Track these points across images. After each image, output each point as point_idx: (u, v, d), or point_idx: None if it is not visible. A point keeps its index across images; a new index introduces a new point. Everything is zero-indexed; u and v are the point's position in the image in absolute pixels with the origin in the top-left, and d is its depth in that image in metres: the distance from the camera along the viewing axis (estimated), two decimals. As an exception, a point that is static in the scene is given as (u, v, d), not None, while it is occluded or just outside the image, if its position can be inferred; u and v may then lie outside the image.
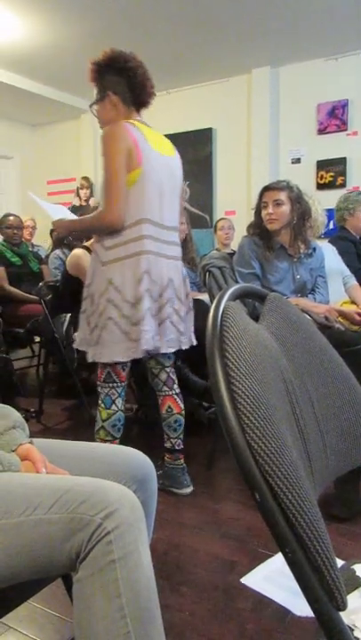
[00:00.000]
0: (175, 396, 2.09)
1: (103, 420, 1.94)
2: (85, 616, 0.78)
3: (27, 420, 1.11)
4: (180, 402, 2.10)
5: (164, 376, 2.08)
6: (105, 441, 1.93)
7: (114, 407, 1.94)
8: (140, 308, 1.81)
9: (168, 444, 2.11)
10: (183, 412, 2.11)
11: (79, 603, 0.78)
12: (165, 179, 1.90)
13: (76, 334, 2.03)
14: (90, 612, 0.77)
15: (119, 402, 1.97)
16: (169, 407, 2.07)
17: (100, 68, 1.88)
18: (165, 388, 2.08)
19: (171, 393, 2.09)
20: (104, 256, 1.85)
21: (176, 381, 2.11)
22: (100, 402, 1.96)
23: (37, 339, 3.76)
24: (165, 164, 1.91)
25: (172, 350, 2.00)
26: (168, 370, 2.09)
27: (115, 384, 1.94)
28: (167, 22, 4.24)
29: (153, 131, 1.92)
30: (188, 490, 2.10)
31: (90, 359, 1.91)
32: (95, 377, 2.00)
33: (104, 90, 1.89)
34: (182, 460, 2.12)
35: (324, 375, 0.84)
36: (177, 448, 2.11)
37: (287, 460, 0.53)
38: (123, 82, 1.86)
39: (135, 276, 1.81)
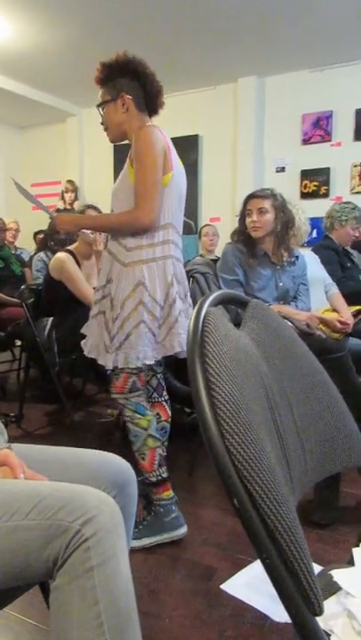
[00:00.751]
0: (164, 403, 2.02)
1: (146, 429, 1.83)
2: (62, 624, 0.77)
3: (6, 425, 1.09)
4: (168, 409, 2.03)
5: (155, 382, 2.01)
6: (155, 448, 1.83)
7: (149, 412, 1.86)
8: (173, 311, 1.79)
9: None
10: (170, 419, 2.03)
11: (56, 610, 0.77)
12: (182, 186, 1.89)
13: (83, 341, 1.90)
14: (67, 620, 0.76)
15: (148, 406, 1.89)
16: (157, 414, 1.98)
17: (112, 69, 1.83)
18: (155, 395, 2.01)
19: (160, 400, 2.02)
20: (126, 257, 1.77)
21: (165, 388, 2.06)
22: (131, 413, 1.84)
23: (18, 342, 3.73)
24: (182, 172, 1.90)
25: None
26: (159, 376, 2.02)
27: (139, 391, 1.86)
28: (155, 29, 4.26)
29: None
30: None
31: (111, 366, 1.79)
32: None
33: (117, 91, 1.83)
34: (165, 468, 2.05)
35: (304, 382, 0.85)
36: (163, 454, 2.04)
37: (266, 465, 0.54)
38: (138, 87, 1.83)
39: (165, 280, 1.79)
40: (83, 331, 1.91)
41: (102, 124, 1.92)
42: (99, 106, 1.90)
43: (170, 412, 2.05)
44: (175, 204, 1.84)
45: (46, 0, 3.81)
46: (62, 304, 2.81)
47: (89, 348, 1.88)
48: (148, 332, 1.77)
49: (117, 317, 1.77)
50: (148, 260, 1.77)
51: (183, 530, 1.81)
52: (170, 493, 1.83)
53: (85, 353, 1.88)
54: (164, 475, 1.82)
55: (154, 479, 1.81)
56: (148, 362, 1.79)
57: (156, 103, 1.89)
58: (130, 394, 1.84)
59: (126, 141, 1.90)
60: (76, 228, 2.05)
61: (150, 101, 1.87)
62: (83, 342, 1.90)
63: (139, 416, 1.83)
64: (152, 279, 1.77)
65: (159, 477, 1.81)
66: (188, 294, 1.97)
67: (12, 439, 1.05)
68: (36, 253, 4.44)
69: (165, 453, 1.89)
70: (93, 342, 1.86)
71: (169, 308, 1.79)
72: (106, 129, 1.92)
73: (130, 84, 1.82)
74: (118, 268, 1.79)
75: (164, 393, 2.04)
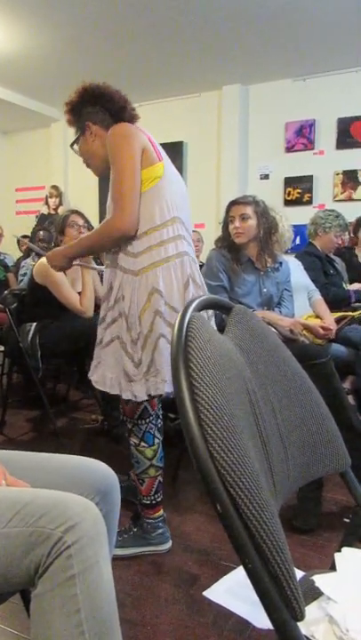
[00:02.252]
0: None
1: (150, 459, 1.72)
2: (43, 632, 0.76)
3: (-13, 431, 1.08)
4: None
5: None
6: (156, 477, 1.74)
7: (156, 441, 1.73)
8: None
9: None
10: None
11: (37, 619, 0.76)
12: (181, 182, 1.76)
13: (95, 378, 1.68)
14: (48, 629, 0.75)
15: (158, 433, 1.75)
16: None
17: (73, 105, 1.76)
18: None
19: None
20: (135, 264, 1.59)
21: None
22: (137, 441, 1.71)
23: (1, 348, 3.69)
24: (174, 169, 1.76)
25: None
26: None
27: (151, 417, 1.71)
28: (140, 36, 4.28)
29: None
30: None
31: (144, 396, 1.59)
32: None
33: (82, 124, 1.76)
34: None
35: (288, 387, 0.86)
36: None
37: (249, 470, 0.54)
38: (100, 110, 1.74)
39: (180, 281, 1.61)
40: (94, 360, 1.70)
41: (84, 162, 1.84)
42: (71, 145, 1.84)
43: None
44: (178, 195, 1.67)
45: (30, 5, 3.80)
46: (46, 309, 2.79)
47: (109, 383, 1.65)
48: (169, 346, 1.61)
49: (138, 337, 1.58)
50: (162, 261, 1.58)
51: (168, 545, 1.79)
52: (160, 513, 1.80)
53: (107, 390, 1.66)
54: (159, 499, 1.78)
55: (147, 502, 1.77)
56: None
57: (125, 116, 1.76)
58: (139, 420, 1.70)
59: None
60: (68, 260, 1.79)
61: (118, 117, 1.75)
62: (96, 378, 1.69)
63: (145, 445, 1.71)
64: (168, 283, 1.58)
65: (153, 502, 1.77)
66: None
67: (-7, 445, 1.04)
68: (23, 259, 4.40)
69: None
70: (112, 375, 1.65)
71: None
72: (86, 164, 1.84)
73: (93, 111, 1.75)
74: (129, 279, 1.59)
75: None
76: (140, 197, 1.59)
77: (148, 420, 1.70)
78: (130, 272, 1.60)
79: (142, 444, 1.71)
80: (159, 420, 1.77)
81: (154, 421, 1.72)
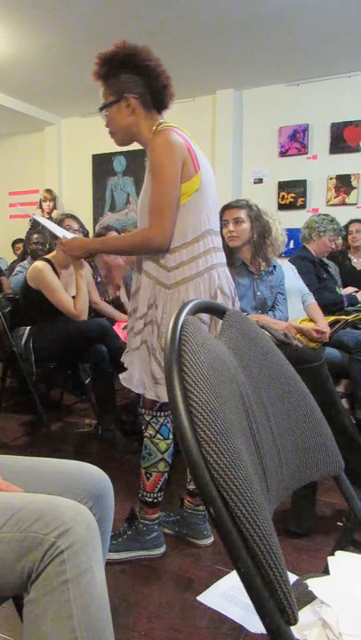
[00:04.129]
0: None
1: (162, 452, 1.73)
2: (36, 638, 0.75)
3: (-20, 435, 1.07)
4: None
5: None
6: (163, 473, 1.75)
7: (171, 436, 1.75)
8: (218, 327, 1.63)
9: (192, 486, 1.89)
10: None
11: (30, 624, 0.76)
12: (214, 185, 1.73)
13: (124, 376, 1.73)
14: (41, 634, 0.75)
15: (172, 429, 1.78)
16: None
17: (112, 63, 1.62)
18: None
19: None
20: (169, 278, 1.61)
21: None
22: (153, 433, 1.73)
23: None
24: (210, 170, 1.73)
25: None
26: None
27: (168, 411, 1.73)
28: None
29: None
30: (208, 541, 1.87)
31: (163, 399, 1.65)
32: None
33: (120, 91, 1.63)
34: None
35: (281, 390, 0.86)
36: (196, 490, 1.86)
37: (242, 474, 0.54)
38: (142, 83, 1.62)
39: (210, 294, 1.63)
40: (123, 360, 1.75)
41: (107, 126, 1.73)
42: (101, 109, 1.70)
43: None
44: (211, 207, 1.68)
45: (25, 10, 3.81)
46: (40, 313, 2.79)
47: (136, 383, 1.70)
48: None
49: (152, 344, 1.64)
50: (194, 277, 1.62)
51: (162, 549, 1.79)
52: (157, 515, 1.80)
53: (133, 388, 1.71)
54: (160, 499, 1.78)
55: (149, 500, 1.76)
56: None
57: (164, 98, 1.68)
58: (158, 412, 1.73)
59: (118, 149, 1.79)
60: (86, 253, 1.82)
61: (157, 96, 1.66)
62: (124, 377, 1.73)
63: (160, 437, 1.74)
64: (198, 297, 1.61)
65: (155, 500, 1.76)
66: (236, 304, 1.79)
67: (-14, 450, 1.03)
68: (17, 262, 4.39)
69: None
70: (139, 377, 1.69)
71: (216, 327, 1.62)
72: (111, 133, 1.73)
73: (133, 80, 1.62)
74: (162, 292, 1.62)
75: None
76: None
77: (166, 414, 1.73)
78: (162, 284, 1.62)
79: (158, 435, 1.73)
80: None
81: (170, 416, 1.75)
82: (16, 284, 3.79)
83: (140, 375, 1.69)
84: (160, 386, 1.65)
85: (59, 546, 0.76)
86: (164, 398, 1.63)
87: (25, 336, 2.75)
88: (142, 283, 1.67)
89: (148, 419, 1.75)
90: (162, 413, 1.73)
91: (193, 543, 1.86)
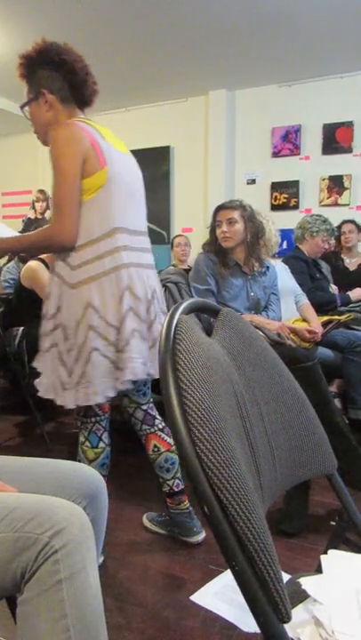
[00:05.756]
0: (160, 433, 1.81)
1: (90, 461, 1.67)
2: (30, 638, 0.75)
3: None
4: (167, 437, 1.82)
5: (140, 414, 1.81)
6: None
7: (101, 444, 1.68)
8: (124, 330, 1.53)
9: (165, 488, 1.83)
10: (174, 446, 1.77)
11: (23, 624, 0.76)
12: (132, 179, 1.66)
13: (37, 380, 1.65)
14: (34, 634, 0.74)
15: (106, 437, 1.70)
16: (155, 446, 1.80)
17: (31, 61, 1.60)
18: (145, 427, 1.81)
19: (153, 430, 1.81)
20: (72, 277, 1.55)
21: (157, 415, 1.84)
22: (83, 439, 1.68)
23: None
24: (128, 163, 1.67)
25: None
26: (144, 407, 1.81)
27: (98, 417, 1.67)
28: (127, 41, 4.29)
29: (106, 128, 1.67)
30: (200, 537, 1.84)
31: (72, 405, 1.57)
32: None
33: (37, 88, 1.62)
34: (186, 503, 1.84)
35: (275, 390, 0.86)
36: (176, 490, 1.82)
37: (236, 472, 0.54)
38: (59, 77, 1.60)
39: (116, 295, 1.54)
40: (35, 365, 1.67)
41: (32, 126, 1.71)
42: (22, 107, 1.68)
43: (171, 441, 1.80)
44: (122, 202, 1.59)
45: (18, 12, 3.80)
46: (33, 312, 2.78)
47: (44, 387, 1.63)
48: (103, 359, 1.54)
49: (72, 347, 1.56)
50: (98, 276, 1.54)
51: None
52: None
53: (41, 394, 1.64)
54: None
55: None
56: (111, 394, 1.56)
57: (84, 93, 1.64)
58: (85, 418, 1.67)
59: None
60: (4, 251, 1.76)
61: (76, 92, 1.63)
62: (37, 382, 1.65)
63: (88, 445, 1.68)
64: (103, 298, 1.54)
65: None
66: (155, 308, 1.68)
67: (-21, 450, 1.03)
68: (5, 264, 4.37)
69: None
70: (48, 381, 1.62)
71: (120, 329, 1.55)
72: (35, 132, 1.71)
73: (50, 76, 1.60)
74: (66, 292, 1.56)
75: (157, 421, 1.83)
76: (80, 208, 1.55)
77: (93, 420, 1.67)
78: (67, 284, 1.56)
79: (86, 443, 1.69)
80: (107, 423, 1.72)
81: (102, 423, 1.70)
82: (6, 286, 3.77)
83: (48, 380, 1.62)
84: (66, 391, 1.57)
85: (53, 545, 0.75)
86: (69, 405, 1.57)
87: (18, 336, 2.74)
88: (52, 282, 1.62)
89: (78, 424, 1.70)
90: (88, 420, 1.67)
91: (185, 541, 1.85)
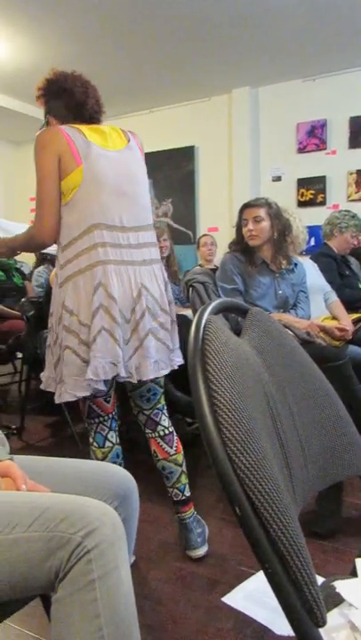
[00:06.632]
0: (159, 440, 1.78)
1: (100, 460, 1.68)
2: (63, 637, 0.76)
3: (8, 438, 1.09)
4: (165, 446, 1.78)
5: (142, 418, 1.80)
6: None
7: (108, 444, 1.70)
8: (92, 328, 1.52)
9: (168, 494, 1.81)
10: (175, 456, 1.78)
11: (57, 623, 0.77)
12: (120, 175, 1.64)
13: (42, 374, 1.73)
14: (68, 633, 0.75)
15: (112, 436, 1.71)
16: (154, 451, 1.79)
17: (43, 92, 1.77)
18: (148, 430, 1.80)
19: (154, 436, 1.79)
20: (60, 276, 1.60)
21: (162, 422, 1.80)
22: (91, 440, 1.71)
23: (20, 355, 3.72)
24: (116, 159, 1.65)
25: (165, 373, 1.70)
26: (147, 412, 1.79)
27: (101, 418, 1.69)
28: (149, 43, 4.30)
29: (100, 127, 1.71)
30: (198, 552, 1.76)
31: (57, 400, 1.61)
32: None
33: (46, 115, 1.79)
34: (185, 515, 1.79)
35: (305, 389, 0.85)
36: (175, 499, 1.79)
37: (268, 473, 0.53)
38: (61, 104, 1.73)
39: (89, 292, 1.54)
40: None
41: None
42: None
43: (171, 449, 1.78)
44: (105, 199, 1.59)
45: (41, 18, 3.85)
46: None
47: (45, 381, 1.69)
48: (76, 359, 1.55)
49: (54, 346, 1.63)
50: (75, 275, 1.56)
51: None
52: None
53: (42, 386, 1.70)
54: None
55: None
56: (81, 393, 1.56)
57: (84, 113, 1.73)
58: (89, 419, 1.71)
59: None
60: (12, 251, 1.84)
61: (77, 112, 1.73)
62: (41, 374, 1.73)
63: (96, 445, 1.70)
64: (77, 296, 1.55)
65: None
66: (142, 305, 1.62)
67: (13, 451, 1.05)
68: (35, 267, 4.44)
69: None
70: (49, 374, 1.68)
71: (91, 327, 1.54)
72: None
73: (55, 104, 1.75)
74: (56, 292, 1.63)
75: (159, 427, 1.79)
76: (62, 209, 1.61)
77: (97, 420, 1.69)
78: (57, 284, 1.62)
79: (94, 443, 1.71)
80: (114, 423, 1.73)
81: (106, 423, 1.71)
82: (39, 291, 3.84)
83: (48, 373, 1.68)
84: (57, 387, 1.62)
85: (85, 545, 0.76)
86: (56, 399, 1.61)
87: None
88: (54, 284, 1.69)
89: (86, 425, 1.73)
90: (92, 420, 1.70)
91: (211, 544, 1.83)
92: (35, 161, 1.61)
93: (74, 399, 1.57)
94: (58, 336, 1.60)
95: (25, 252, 1.86)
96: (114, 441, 1.72)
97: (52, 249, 1.77)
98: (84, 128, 1.64)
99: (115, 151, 1.67)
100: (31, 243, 1.70)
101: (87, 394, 1.56)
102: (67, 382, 1.57)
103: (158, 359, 1.66)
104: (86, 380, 1.52)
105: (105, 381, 1.57)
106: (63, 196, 1.60)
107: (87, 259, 1.55)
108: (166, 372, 1.70)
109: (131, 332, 1.61)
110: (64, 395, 1.58)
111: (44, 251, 3.05)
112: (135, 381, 1.62)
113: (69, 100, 1.72)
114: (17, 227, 2.30)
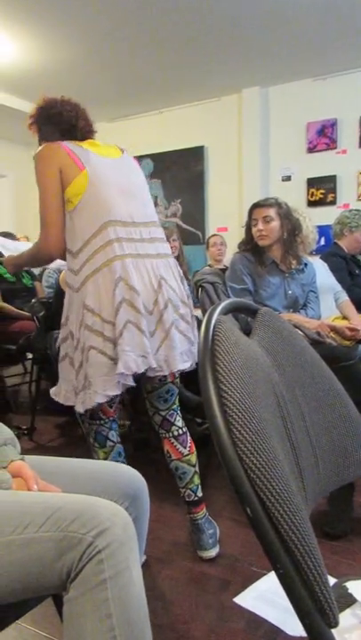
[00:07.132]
0: (173, 440, 1.78)
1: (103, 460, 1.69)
2: (75, 637, 0.76)
3: (18, 438, 1.10)
4: (179, 446, 1.78)
5: (158, 419, 1.79)
6: None
7: (109, 443, 1.71)
8: (117, 323, 1.51)
9: (180, 494, 1.81)
10: (189, 456, 1.78)
11: (69, 623, 0.77)
12: (122, 177, 1.70)
13: (52, 390, 1.70)
14: (80, 633, 0.76)
15: (113, 435, 1.72)
16: (167, 452, 1.79)
17: (35, 120, 1.81)
18: (162, 431, 1.79)
19: (168, 436, 1.78)
20: (75, 282, 1.60)
21: (177, 422, 1.79)
22: (91, 441, 1.72)
23: (30, 355, 3.74)
24: (113, 164, 1.71)
25: (187, 365, 1.67)
26: (163, 413, 1.78)
27: (102, 420, 1.70)
28: (158, 43, 4.31)
29: (97, 142, 1.78)
30: (209, 553, 1.76)
31: (81, 409, 1.58)
32: None
33: (39, 140, 1.81)
34: (197, 515, 1.78)
35: (316, 389, 0.85)
36: (187, 500, 1.78)
37: (278, 474, 0.53)
38: (54, 128, 1.77)
39: (109, 288, 1.53)
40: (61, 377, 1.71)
41: None
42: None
43: (184, 450, 1.78)
44: (114, 197, 1.62)
45: (50, 20, 3.88)
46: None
47: (63, 396, 1.66)
48: (103, 358, 1.53)
49: (75, 352, 1.60)
50: (93, 273, 1.56)
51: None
52: None
53: (61, 402, 1.67)
54: None
55: None
56: (112, 392, 1.54)
57: (76, 133, 1.76)
58: (90, 420, 1.70)
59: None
60: (15, 267, 1.93)
61: (69, 134, 1.76)
62: (52, 391, 1.70)
63: (97, 445, 1.71)
64: (98, 294, 1.55)
65: None
66: (165, 297, 1.62)
67: (23, 451, 1.06)
68: (45, 268, 4.47)
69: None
70: (67, 388, 1.66)
71: (115, 322, 1.54)
72: None
73: (46, 129, 1.79)
74: (73, 297, 1.62)
75: (174, 428, 1.79)
76: (69, 216, 1.63)
77: (97, 422, 1.71)
78: (73, 289, 1.62)
79: (95, 444, 1.72)
80: (114, 424, 1.74)
81: (106, 425, 1.72)
82: (49, 292, 3.86)
83: (66, 387, 1.66)
84: (78, 396, 1.59)
85: (96, 545, 0.77)
86: (80, 409, 1.59)
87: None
88: (65, 293, 1.68)
89: (86, 425, 1.73)
90: (93, 422, 1.70)
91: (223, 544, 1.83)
92: (36, 176, 1.65)
93: (105, 400, 1.55)
94: (80, 340, 1.57)
95: (32, 266, 1.91)
96: (115, 440, 1.73)
97: (60, 262, 1.79)
98: (80, 143, 1.72)
99: (112, 159, 1.73)
100: (38, 256, 1.75)
101: (118, 392, 1.55)
102: (95, 383, 1.54)
103: (182, 351, 1.66)
104: (117, 374, 1.51)
105: (133, 376, 1.56)
106: (70, 203, 1.62)
107: (104, 255, 1.56)
108: (188, 364, 1.68)
109: (155, 323, 1.61)
110: (94, 396, 1.54)
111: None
112: (166, 373, 1.63)
113: (60, 123, 1.76)
114: (17, 245, 2.35)
